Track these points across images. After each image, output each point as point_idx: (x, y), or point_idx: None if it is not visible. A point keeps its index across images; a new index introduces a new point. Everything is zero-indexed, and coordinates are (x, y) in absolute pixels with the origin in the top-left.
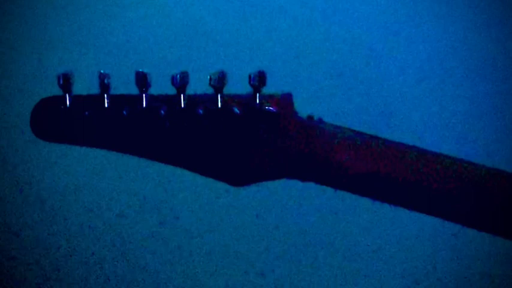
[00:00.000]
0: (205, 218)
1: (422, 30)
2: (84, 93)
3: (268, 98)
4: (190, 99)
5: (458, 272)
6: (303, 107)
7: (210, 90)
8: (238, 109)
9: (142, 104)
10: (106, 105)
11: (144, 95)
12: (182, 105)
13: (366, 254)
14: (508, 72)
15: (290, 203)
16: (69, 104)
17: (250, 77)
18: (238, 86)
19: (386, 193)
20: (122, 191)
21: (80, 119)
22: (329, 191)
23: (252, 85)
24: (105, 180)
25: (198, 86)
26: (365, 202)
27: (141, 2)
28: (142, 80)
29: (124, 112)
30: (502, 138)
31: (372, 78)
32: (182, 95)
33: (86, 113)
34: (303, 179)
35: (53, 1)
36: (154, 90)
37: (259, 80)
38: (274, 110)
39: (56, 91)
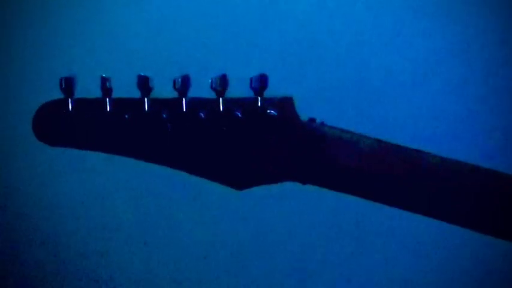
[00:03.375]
0: (207, 220)
1: (423, 31)
2: (86, 97)
3: (270, 101)
4: (192, 103)
5: (458, 272)
6: (304, 110)
7: (212, 94)
8: (240, 113)
9: (144, 107)
10: (108, 109)
11: (146, 98)
12: (184, 109)
13: (366, 255)
14: (508, 73)
15: (291, 205)
16: (72, 107)
17: (251, 80)
18: (240, 89)
19: (388, 195)
20: (124, 193)
21: (82, 122)
22: (330, 193)
23: (253, 88)
24: (106, 183)
25: (200, 89)
26: (366, 204)
27: (143, 4)
28: (144, 84)
29: (126, 116)
30: (502, 139)
31: (373, 81)
32: (184, 99)
33: (88, 116)
34: (305, 181)
35: (54, 3)
36: (156, 94)
37: (260, 83)
38: (276, 114)
39: (58, 95)
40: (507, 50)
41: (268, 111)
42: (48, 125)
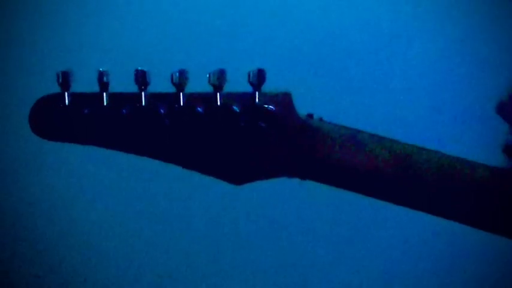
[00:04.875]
0: (205, 215)
1: (421, 30)
2: (84, 91)
3: (268, 96)
4: (190, 98)
5: (458, 272)
6: (302, 106)
7: (210, 89)
8: (238, 107)
9: (142, 102)
10: (105, 104)
11: (143, 93)
12: (181, 104)
13: (365, 253)
14: (507, 73)
15: (289, 201)
16: (68, 102)
17: (249, 75)
18: (238, 84)
19: (386, 191)
20: (120, 189)
21: (79, 117)
22: (328, 189)
23: (251, 83)
24: (103, 179)
25: (198, 84)
26: (364, 200)
27: (141, 0)
28: (141, 78)
29: (123, 110)
30: (501, 138)
31: (372, 77)
32: (181, 93)
33: (85, 111)
34: (302, 177)
35: (52, 0)
36: (153, 88)
37: (258, 78)
38: (274, 109)
39: (55, 89)
40: (506, 50)
41: (266, 106)
42: (44, 119)
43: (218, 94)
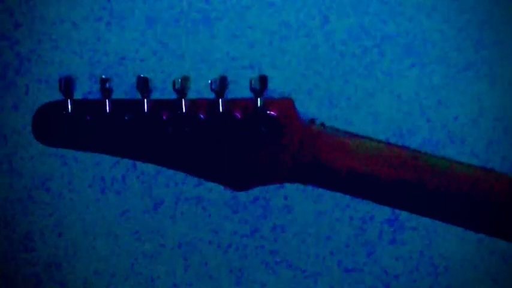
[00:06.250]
0: (206, 221)
1: (422, 30)
2: (86, 98)
3: (270, 102)
4: (192, 104)
5: (458, 272)
6: (304, 110)
7: (212, 95)
8: (240, 113)
9: (144, 108)
10: (107, 110)
11: (145, 100)
12: (183, 110)
13: (365, 255)
14: (508, 73)
15: (291, 206)
16: (71, 109)
17: (251, 81)
18: (240, 90)
19: (388, 196)
20: (123, 195)
21: (81, 124)
22: (330, 193)
23: (253, 89)
24: (106, 185)
25: (200, 90)
26: (366, 205)
27: (142, 5)
28: (143, 85)
29: (126, 117)
30: (502, 140)
31: (374, 82)
32: (183, 100)
33: (88, 118)
34: (305, 182)
35: (54, 3)
36: (155, 95)
37: (260, 84)
38: (276, 114)
39: (58, 96)
40: (506, 49)
41: (268, 112)
42: (47, 126)
43: (220, 100)
